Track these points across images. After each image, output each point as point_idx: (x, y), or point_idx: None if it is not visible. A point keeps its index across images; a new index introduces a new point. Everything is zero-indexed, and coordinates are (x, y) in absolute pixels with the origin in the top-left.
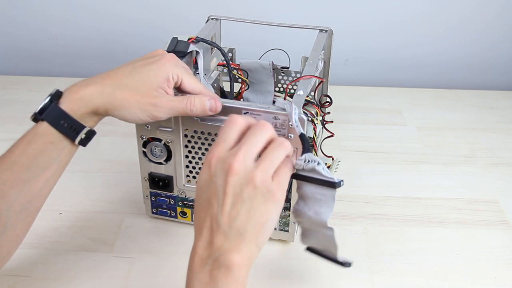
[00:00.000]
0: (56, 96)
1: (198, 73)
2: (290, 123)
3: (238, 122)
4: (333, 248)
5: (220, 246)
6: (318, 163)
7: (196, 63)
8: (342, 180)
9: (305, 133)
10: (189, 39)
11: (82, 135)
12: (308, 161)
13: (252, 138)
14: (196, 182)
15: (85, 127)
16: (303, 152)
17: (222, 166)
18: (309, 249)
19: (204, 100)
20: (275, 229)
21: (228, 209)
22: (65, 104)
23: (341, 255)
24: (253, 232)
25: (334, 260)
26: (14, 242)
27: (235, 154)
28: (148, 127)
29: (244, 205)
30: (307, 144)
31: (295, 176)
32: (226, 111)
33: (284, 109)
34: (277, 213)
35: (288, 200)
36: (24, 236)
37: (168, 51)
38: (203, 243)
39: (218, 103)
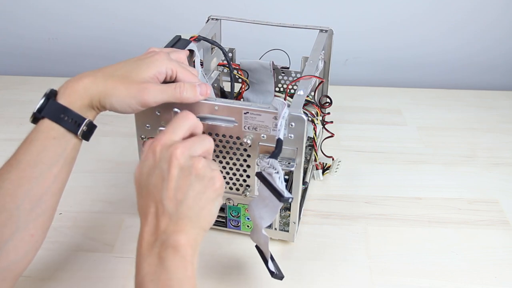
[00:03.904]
0: (52, 94)
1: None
2: (275, 122)
3: (191, 118)
4: (266, 254)
5: (166, 229)
6: (277, 172)
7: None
8: (292, 198)
9: (282, 139)
10: (190, 37)
11: (83, 127)
12: (270, 166)
13: (201, 140)
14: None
15: (85, 119)
16: (270, 156)
17: (167, 151)
18: (257, 247)
19: (194, 85)
20: (275, 229)
21: (174, 193)
22: (62, 99)
23: (272, 264)
24: (198, 215)
25: (266, 266)
26: (29, 243)
27: (182, 142)
28: (148, 126)
29: (189, 189)
30: (278, 151)
31: (258, 174)
32: (227, 111)
33: (276, 108)
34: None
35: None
36: (40, 237)
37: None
38: (149, 228)
39: (209, 88)
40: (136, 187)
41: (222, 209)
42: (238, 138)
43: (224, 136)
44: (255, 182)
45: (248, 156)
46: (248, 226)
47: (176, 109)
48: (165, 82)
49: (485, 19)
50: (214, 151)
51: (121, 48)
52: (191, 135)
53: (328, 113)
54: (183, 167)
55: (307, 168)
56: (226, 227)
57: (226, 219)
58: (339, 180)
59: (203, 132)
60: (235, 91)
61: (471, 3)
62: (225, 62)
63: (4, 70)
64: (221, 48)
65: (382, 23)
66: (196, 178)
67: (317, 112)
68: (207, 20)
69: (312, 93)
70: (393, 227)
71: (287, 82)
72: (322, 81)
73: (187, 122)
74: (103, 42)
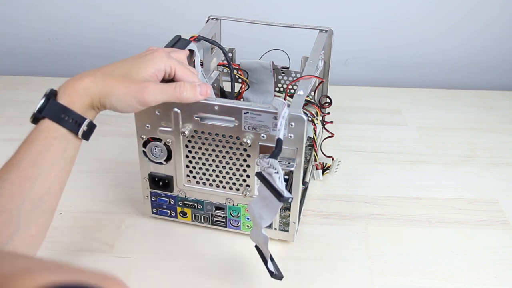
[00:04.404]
0: (52, 94)
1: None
2: (275, 122)
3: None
4: (266, 255)
5: None
6: (277, 172)
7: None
8: (292, 198)
9: (282, 139)
10: (191, 37)
11: (84, 127)
12: (270, 166)
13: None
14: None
15: (85, 119)
16: (270, 156)
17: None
18: (256, 247)
19: (194, 85)
20: (275, 229)
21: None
22: (63, 99)
23: (271, 265)
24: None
25: (266, 266)
26: (30, 243)
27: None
28: (148, 126)
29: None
30: (278, 151)
31: (257, 174)
32: (227, 111)
33: (276, 108)
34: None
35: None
36: (41, 238)
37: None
38: None
39: (209, 88)
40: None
41: (222, 209)
42: (238, 138)
43: (224, 136)
44: (255, 182)
45: (248, 156)
46: (248, 226)
47: (176, 109)
48: (164, 79)
49: (485, 19)
50: (214, 150)
51: (121, 48)
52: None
53: (328, 113)
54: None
55: (307, 168)
56: (226, 227)
57: (226, 219)
58: (339, 180)
59: (203, 132)
60: (235, 91)
61: (471, 3)
62: (225, 62)
63: (4, 70)
64: (221, 48)
65: (382, 23)
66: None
67: (317, 112)
68: (207, 20)
69: (312, 93)
70: (393, 227)
71: (287, 82)
72: (322, 81)
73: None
74: (103, 43)
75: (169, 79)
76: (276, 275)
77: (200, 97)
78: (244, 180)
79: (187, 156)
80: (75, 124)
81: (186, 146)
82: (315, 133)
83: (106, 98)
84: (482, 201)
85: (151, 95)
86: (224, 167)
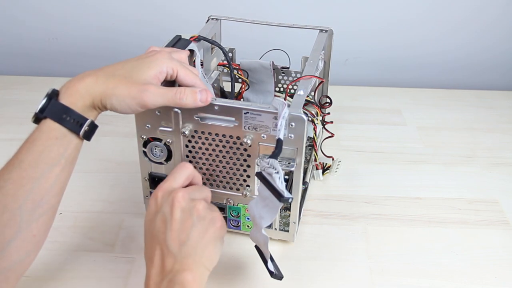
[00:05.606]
0: (54, 94)
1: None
2: (275, 122)
3: (188, 168)
4: (266, 255)
5: (172, 268)
6: (277, 172)
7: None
8: (292, 198)
9: (282, 139)
10: (191, 37)
11: (85, 127)
12: (270, 166)
13: (200, 188)
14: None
15: (87, 119)
16: (270, 156)
17: (169, 196)
18: (256, 247)
19: (195, 91)
20: (275, 229)
21: (177, 234)
22: (64, 99)
23: (271, 265)
24: (201, 255)
25: (266, 266)
26: (32, 243)
27: (181, 189)
28: (148, 126)
29: (192, 230)
30: (278, 151)
31: (258, 174)
32: (227, 111)
33: (276, 108)
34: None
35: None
36: (42, 237)
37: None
38: (155, 270)
39: (209, 94)
40: (144, 233)
41: (222, 209)
42: (238, 138)
43: (224, 136)
44: (255, 182)
45: (248, 156)
46: (248, 226)
47: (176, 109)
48: (165, 81)
49: (485, 19)
50: (214, 150)
51: (121, 48)
52: (190, 184)
53: (328, 113)
54: (185, 209)
55: (307, 168)
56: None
57: (226, 219)
58: (339, 180)
59: (203, 132)
60: (235, 91)
61: (471, 3)
62: (225, 62)
63: (4, 70)
64: (221, 48)
65: (382, 23)
66: (197, 219)
67: (317, 112)
68: (207, 20)
69: (312, 93)
70: (393, 227)
71: (287, 82)
72: (322, 81)
73: (185, 171)
74: (103, 42)
75: (171, 80)
76: (276, 275)
77: (200, 104)
78: (244, 180)
79: (187, 156)
80: (77, 124)
81: (186, 146)
82: (315, 133)
83: (107, 98)
84: (482, 201)
85: (151, 99)
86: (224, 167)
